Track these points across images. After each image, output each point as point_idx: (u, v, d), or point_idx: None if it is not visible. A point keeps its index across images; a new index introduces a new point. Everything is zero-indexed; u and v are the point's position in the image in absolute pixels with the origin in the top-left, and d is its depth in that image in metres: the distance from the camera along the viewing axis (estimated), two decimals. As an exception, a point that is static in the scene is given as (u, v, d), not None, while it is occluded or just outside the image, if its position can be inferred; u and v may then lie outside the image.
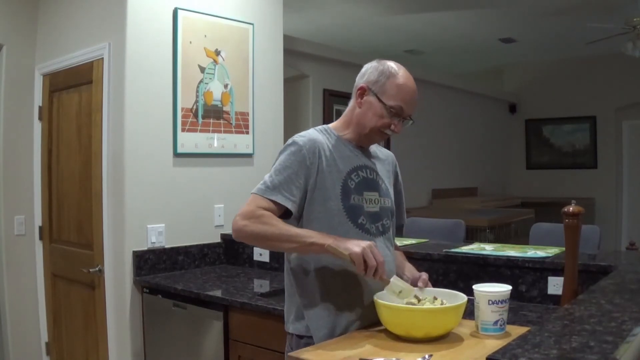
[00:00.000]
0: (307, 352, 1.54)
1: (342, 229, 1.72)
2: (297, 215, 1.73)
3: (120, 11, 3.04)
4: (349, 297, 1.75)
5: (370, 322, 1.75)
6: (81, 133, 3.36)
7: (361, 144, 1.85)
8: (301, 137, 1.76)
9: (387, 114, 1.76)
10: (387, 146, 6.83)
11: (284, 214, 1.71)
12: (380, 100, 1.75)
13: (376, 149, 1.95)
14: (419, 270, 1.90)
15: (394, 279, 1.69)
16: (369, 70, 1.81)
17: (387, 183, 1.91)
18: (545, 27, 6.73)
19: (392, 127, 1.77)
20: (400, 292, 1.68)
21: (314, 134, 1.79)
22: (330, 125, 1.88)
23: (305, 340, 1.72)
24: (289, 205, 1.69)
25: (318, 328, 1.71)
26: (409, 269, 1.92)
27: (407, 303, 1.66)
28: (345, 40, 6.82)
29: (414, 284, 1.79)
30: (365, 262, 1.57)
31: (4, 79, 3.59)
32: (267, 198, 1.68)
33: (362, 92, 1.79)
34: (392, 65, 1.80)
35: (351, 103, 1.85)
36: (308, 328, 1.74)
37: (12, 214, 3.62)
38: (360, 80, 1.82)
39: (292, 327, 1.79)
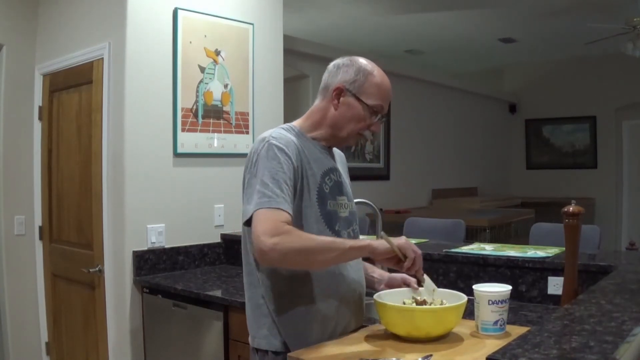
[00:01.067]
0: (307, 352, 1.54)
1: None
2: None
3: (120, 11, 3.04)
4: (334, 307, 1.66)
5: (354, 328, 1.73)
6: (81, 133, 3.36)
7: (330, 144, 1.75)
8: (277, 139, 1.61)
9: (368, 115, 1.67)
10: (387, 145, 6.84)
11: None
12: (360, 101, 1.66)
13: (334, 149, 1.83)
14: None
15: (427, 277, 1.70)
16: (341, 69, 1.69)
17: (349, 185, 1.84)
18: (545, 27, 6.73)
19: (372, 127, 1.70)
20: (434, 290, 1.70)
21: (286, 134, 1.65)
22: (295, 123, 1.75)
23: (283, 357, 1.58)
24: (291, 212, 1.54)
25: (299, 345, 1.58)
26: (377, 270, 1.90)
27: (405, 303, 1.67)
28: (345, 40, 6.82)
29: (387, 283, 1.81)
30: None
31: (4, 79, 3.60)
32: (280, 209, 1.50)
33: (339, 92, 1.67)
34: (365, 62, 1.70)
35: (321, 103, 1.73)
36: (286, 344, 1.61)
37: (12, 214, 3.62)
38: (334, 79, 1.69)
39: (265, 342, 1.63)
